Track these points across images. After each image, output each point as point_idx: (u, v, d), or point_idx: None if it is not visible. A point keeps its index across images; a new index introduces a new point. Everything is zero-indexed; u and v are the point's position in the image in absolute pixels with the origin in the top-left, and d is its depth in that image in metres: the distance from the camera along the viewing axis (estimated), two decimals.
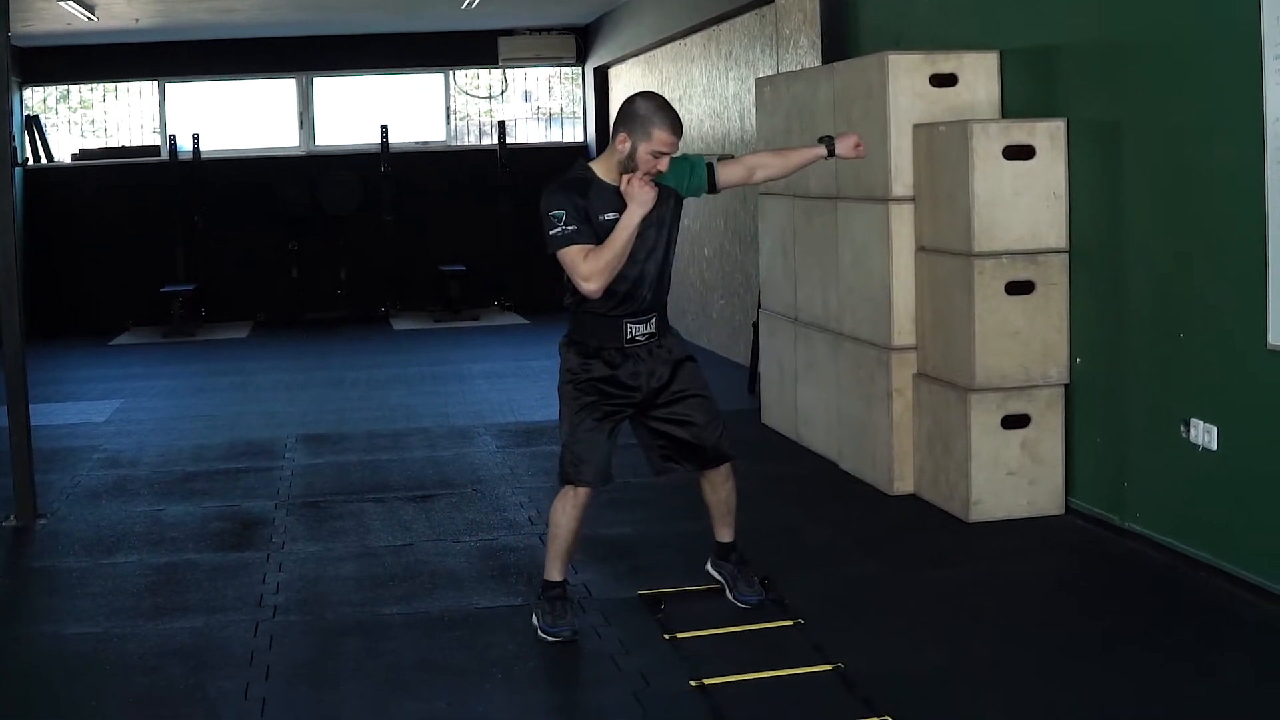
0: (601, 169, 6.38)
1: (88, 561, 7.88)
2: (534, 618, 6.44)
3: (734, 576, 6.82)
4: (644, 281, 6.39)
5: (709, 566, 6.98)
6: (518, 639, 6.35)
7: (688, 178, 6.56)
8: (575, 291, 6.31)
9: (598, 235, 6.21)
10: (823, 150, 6.80)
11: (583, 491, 6.41)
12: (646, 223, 6.28)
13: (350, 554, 7.88)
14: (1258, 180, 6.40)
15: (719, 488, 6.79)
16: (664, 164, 6.23)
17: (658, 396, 6.52)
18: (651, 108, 6.24)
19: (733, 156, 6.83)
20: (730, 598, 6.76)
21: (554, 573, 6.50)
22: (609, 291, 6.27)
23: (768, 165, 6.96)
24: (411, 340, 18.14)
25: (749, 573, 6.83)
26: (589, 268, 6.13)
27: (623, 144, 6.23)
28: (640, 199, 6.16)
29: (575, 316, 6.48)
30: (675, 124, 6.27)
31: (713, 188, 6.70)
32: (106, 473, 10.19)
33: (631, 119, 6.23)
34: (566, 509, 6.44)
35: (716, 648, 6.01)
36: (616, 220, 6.19)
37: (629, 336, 6.40)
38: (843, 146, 6.76)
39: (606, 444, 6.43)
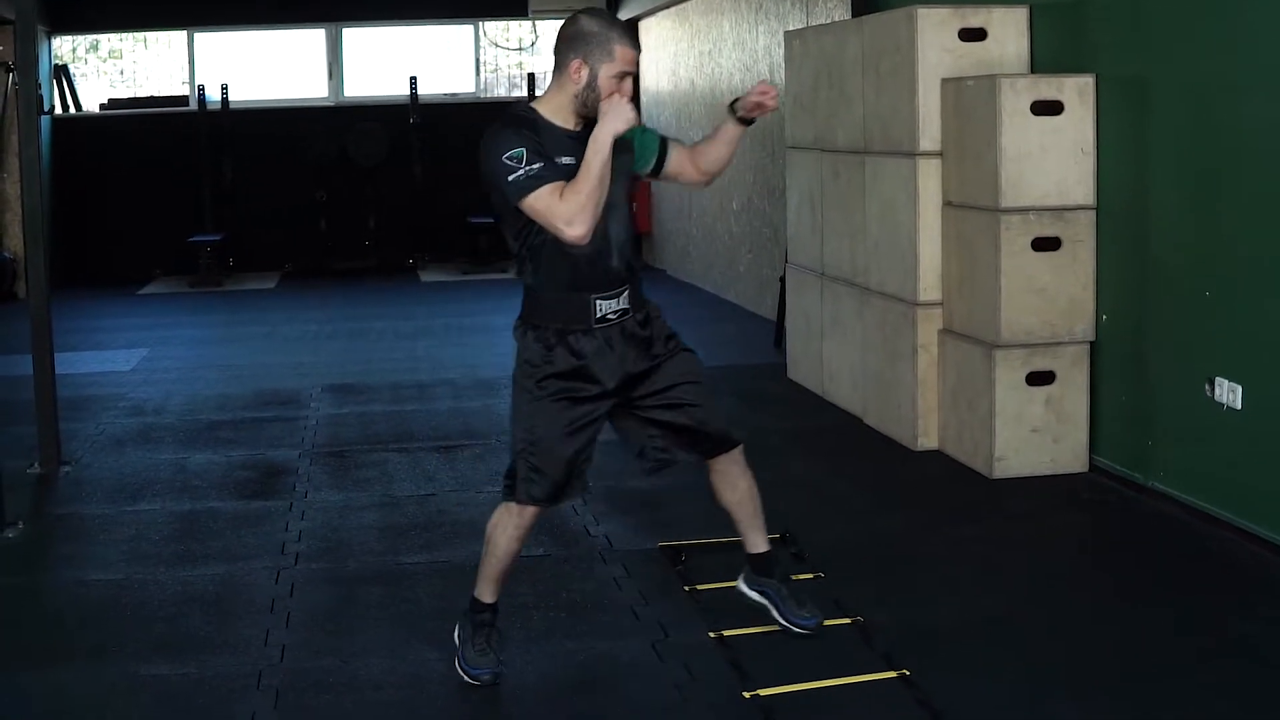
0: (548, 109, 5.27)
1: (111, 509, 7.90)
2: (455, 636, 5.56)
3: (779, 595, 5.80)
4: (609, 245, 5.29)
5: (743, 585, 5.89)
6: (537, 589, 6.35)
7: (638, 139, 5.52)
8: (533, 258, 5.29)
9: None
10: (729, 124, 5.62)
11: (530, 511, 5.38)
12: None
13: (373, 503, 7.91)
14: None
15: (737, 481, 5.71)
16: (627, 88, 5.22)
17: (640, 384, 5.46)
18: (604, 23, 5.25)
19: (677, 140, 5.73)
20: (781, 622, 5.76)
21: (485, 593, 5.55)
22: (569, 260, 5.22)
23: (704, 153, 5.68)
24: (439, 292, 18.13)
25: (797, 590, 5.88)
26: (569, 207, 5.01)
27: (578, 72, 5.18)
28: (618, 112, 5.10)
29: (530, 295, 5.41)
30: (635, 39, 5.33)
31: (658, 168, 5.63)
32: (131, 421, 10.22)
33: (584, 39, 5.20)
34: (508, 529, 5.43)
35: (736, 601, 6.01)
36: (574, 164, 5.11)
37: (598, 315, 5.31)
38: (746, 103, 5.54)
39: (571, 455, 5.34)
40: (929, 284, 8.63)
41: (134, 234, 19.76)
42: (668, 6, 18.02)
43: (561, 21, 5.28)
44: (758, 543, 5.81)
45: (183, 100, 20.42)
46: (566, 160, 5.14)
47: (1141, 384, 7.69)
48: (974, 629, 5.88)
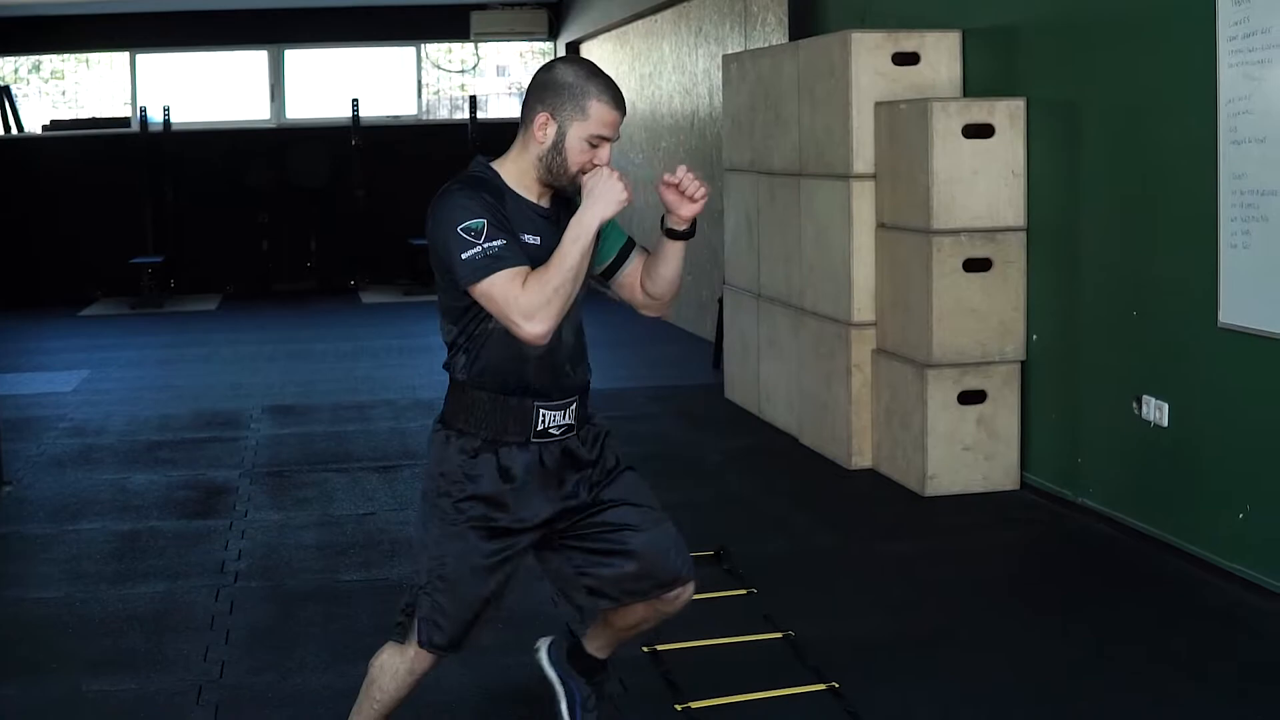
0: (511, 173, 4.34)
1: (52, 528, 7.93)
2: None
3: (581, 699, 4.93)
4: (561, 345, 4.35)
5: (545, 658, 5.01)
6: None
7: (605, 233, 4.45)
8: (468, 349, 4.34)
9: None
10: (663, 240, 4.47)
11: (428, 658, 4.51)
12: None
13: (312, 522, 7.97)
14: (1211, 161, 6.51)
15: (652, 621, 4.76)
16: (604, 155, 4.27)
17: (575, 514, 4.50)
18: (583, 74, 4.28)
19: (645, 250, 4.66)
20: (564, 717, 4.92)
21: None
22: (514, 357, 4.29)
23: (648, 273, 4.55)
24: (380, 313, 18.19)
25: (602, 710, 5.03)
26: (531, 299, 4.06)
27: (543, 128, 4.25)
28: (608, 192, 4.18)
29: (458, 393, 4.39)
30: (618, 96, 4.32)
31: (611, 271, 4.59)
32: (72, 441, 10.25)
33: (554, 89, 4.26)
34: (399, 673, 4.55)
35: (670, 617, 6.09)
36: (540, 249, 4.21)
37: (539, 427, 4.36)
38: (669, 202, 4.40)
39: (487, 595, 4.45)
40: (863, 305, 8.73)
41: (75, 255, 19.72)
42: (608, 30, 18.13)
43: (527, 63, 4.59)
44: (603, 649, 4.92)
45: (125, 122, 20.45)
46: (531, 240, 4.26)
47: (1071, 402, 7.81)
48: (904, 643, 5.96)
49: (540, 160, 4.27)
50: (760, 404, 10.28)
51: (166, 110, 19.79)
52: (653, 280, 4.54)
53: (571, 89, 4.23)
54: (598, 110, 4.23)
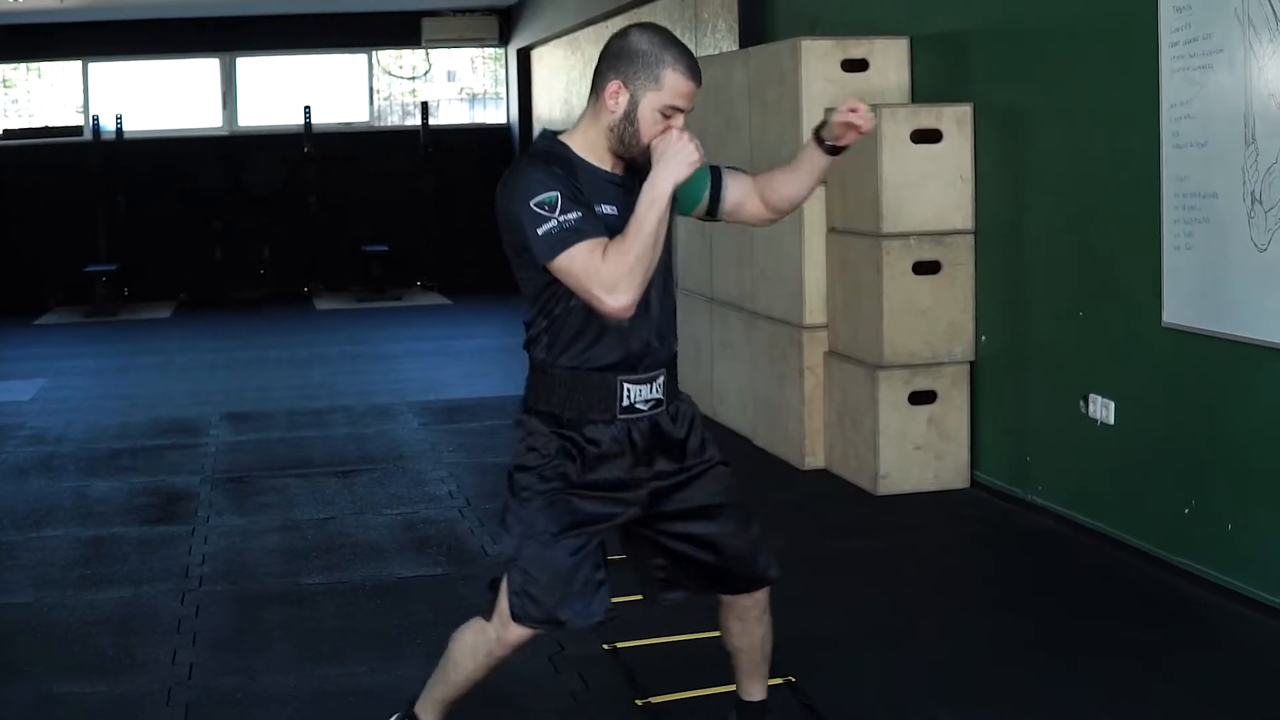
0: (581, 143, 4.21)
1: (16, 535, 8.01)
2: None
3: None
4: (649, 316, 4.20)
5: None
6: (437, 607, 6.52)
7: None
8: (550, 329, 4.20)
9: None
10: (815, 153, 4.42)
11: (515, 633, 4.33)
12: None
13: (274, 527, 8.05)
14: (1154, 165, 6.64)
15: (752, 626, 4.64)
16: (678, 126, 4.13)
17: (661, 500, 4.36)
18: (658, 42, 4.12)
19: (738, 168, 4.61)
20: None
21: (428, 712, 4.67)
22: (596, 333, 4.17)
23: (778, 186, 4.53)
24: (334, 320, 18.27)
25: None
26: (613, 270, 3.93)
27: (615, 96, 4.12)
28: (680, 154, 4.04)
29: (540, 374, 4.27)
30: (694, 66, 4.18)
31: (713, 206, 4.50)
32: (32, 449, 10.31)
33: (628, 58, 4.11)
34: (478, 652, 4.44)
35: (629, 615, 6.16)
36: (618, 219, 4.07)
37: (625, 403, 4.23)
38: (834, 127, 4.34)
39: (570, 566, 4.26)
40: (814, 308, 8.86)
41: (29, 264, 19.73)
42: (560, 36, 18.22)
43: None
44: (753, 690, 4.80)
45: (77, 130, 20.43)
46: (608, 210, 4.11)
47: (1019, 402, 7.95)
48: (858, 637, 6.09)
49: (612, 130, 4.14)
50: (714, 406, 10.39)
51: (119, 119, 19.83)
52: (783, 194, 4.51)
53: (645, 57, 4.10)
54: (672, 80, 4.11)
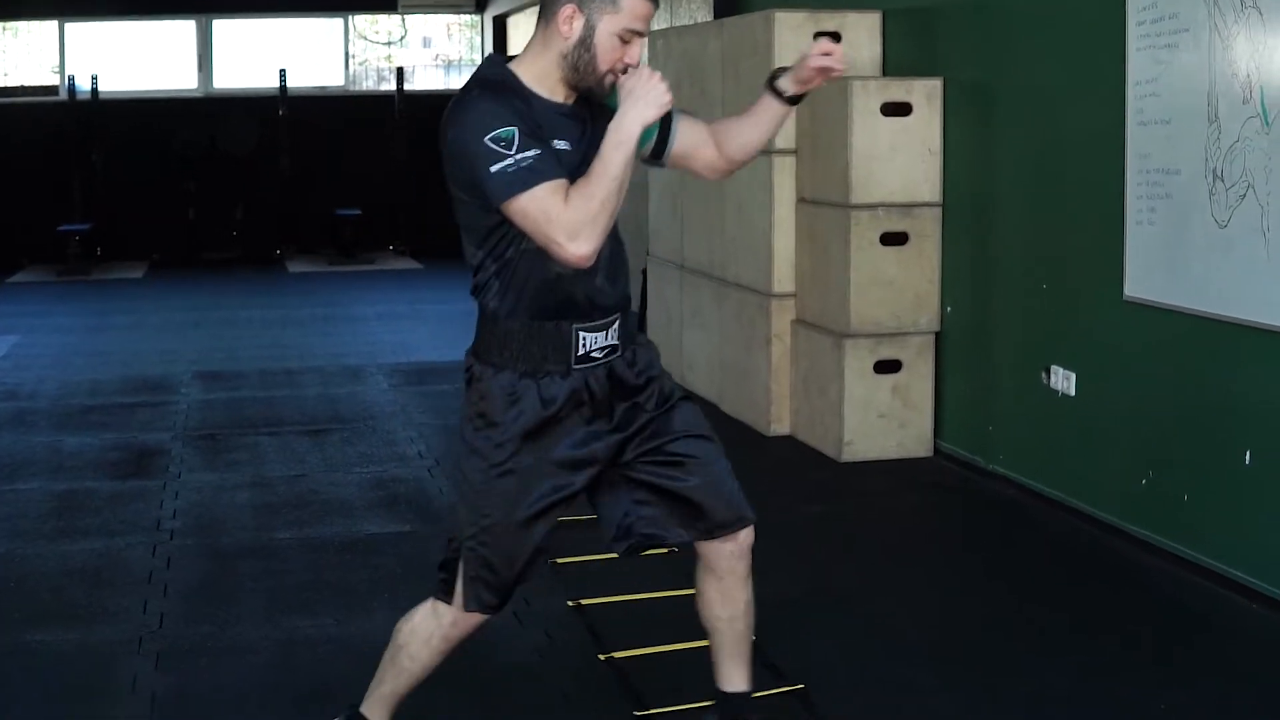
0: (530, 73, 3.92)
1: None
2: None
3: None
4: (599, 260, 3.87)
5: None
6: (404, 562, 6.62)
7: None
8: (500, 274, 3.93)
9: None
10: (773, 101, 4.20)
11: (470, 620, 4.16)
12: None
13: (245, 483, 8.13)
14: (1118, 141, 6.74)
15: (734, 590, 4.33)
16: (636, 52, 3.87)
17: (628, 444, 4.11)
18: None
19: (691, 113, 4.34)
20: None
21: (375, 712, 4.36)
22: (547, 279, 3.90)
23: (733, 134, 4.28)
24: (306, 282, 18.33)
25: None
26: (575, 215, 3.68)
27: (569, 21, 3.83)
28: (650, 94, 3.77)
29: (490, 324, 4.00)
30: None
31: (659, 149, 4.21)
32: (5, 405, 10.38)
33: None
34: (432, 639, 4.22)
35: (593, 573, 6.28)
36: (571, 154, 3.85)
37: (580, 351, 3.97)
38: (803, 72, 4.11)
39: (535, 546, 4.09)
40: (783, 276, 8.96)
41: (2, 223, 19.68)
42: (535, 4, 18.23)
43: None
44: (734, 678, 4.44)
45: (53, 90, 20.42)
46: (562, 145, 3.85)
47: (983, 372, 8.07)
48: (821, 599, 6.19)
49: (565, 58, 3.86)
50: (683, 373, 10.47)
51: (94, 79, 19.79)
52: (738, 143, 4.25)
53: None
54: (630, 2, 3.83)
